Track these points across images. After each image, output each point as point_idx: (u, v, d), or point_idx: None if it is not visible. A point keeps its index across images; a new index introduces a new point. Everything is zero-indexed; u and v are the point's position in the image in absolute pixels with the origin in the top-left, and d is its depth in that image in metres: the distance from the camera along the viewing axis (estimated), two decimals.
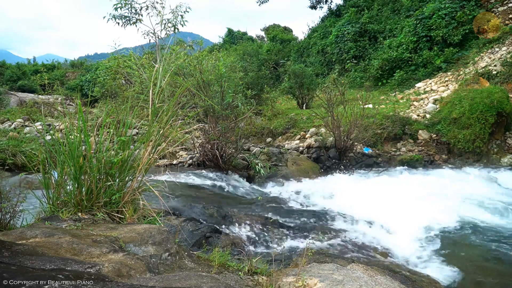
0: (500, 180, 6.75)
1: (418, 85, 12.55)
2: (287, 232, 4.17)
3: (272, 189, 6.76)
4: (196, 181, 6.31)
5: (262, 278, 2.17)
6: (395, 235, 4.22)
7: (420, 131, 9.11)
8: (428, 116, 9.70)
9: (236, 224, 4.17)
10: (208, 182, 6.35)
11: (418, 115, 9.91)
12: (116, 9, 7.52)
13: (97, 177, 2.46)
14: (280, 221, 4.48)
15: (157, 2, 7.62)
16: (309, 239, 3.96)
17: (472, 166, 7.97)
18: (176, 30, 7.93)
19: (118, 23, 7.75)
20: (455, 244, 4.06)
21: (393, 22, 16.88)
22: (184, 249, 2.29)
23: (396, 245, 3.93)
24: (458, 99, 9.12)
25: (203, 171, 6.88)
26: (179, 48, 7.99)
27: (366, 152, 8.75)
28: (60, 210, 2.36)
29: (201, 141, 7.40)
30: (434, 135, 9.02)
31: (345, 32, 17.32)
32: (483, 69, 10.65)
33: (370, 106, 10.47)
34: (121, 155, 2.56)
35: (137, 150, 2.84)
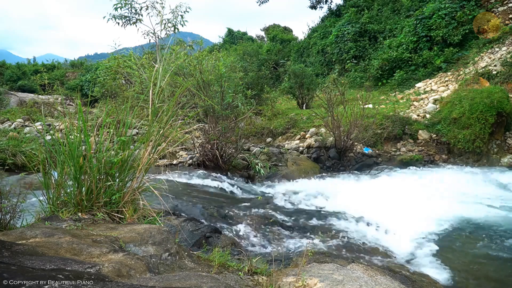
0: (500, 180, 6.75)
1: (418, 85, 12.55)
2: (287, 232, 4.17)
3: (272, 189, 6.76)
4: (196, 181, 6.31)
5: (262, 278, 2.17)
6: (395, 235, 4.22)
7: (420, 131, 9.11)
8: (428, 116, 9.70)
9: (236, 224, 4.17)
10: (208, 182, 6.35)
11: (418, 115, 9.91)
12: (116, 9, 7.52)
13: (97, 177, 2.46)
14: (280, 221, 4.48)
15: (157, 2, 7.62)
16: (309, 239, 3.95)
17: (472, 166, 7.97)
18: (176, 30, 7.92)
19: (118, 23, 7.75)
20: (455, 244, 4.06)
21: (393, 22, 16.88)
22: (184, 249, 2.29)
23: (396, 245, 3.93)
24: (458, 99, 9.12)
25: (203, 171, 6.87)
26: (179, 48, 7.98)
27: (366, 152, 8.75)
28: (60, 210, 2.36)
29: (201, 141, 7.40)
30: (434, 135, 9.02)
31: (345, 32, 17.32)
32: (483, 69, 10.65)
33: (370, 106, 10.48)
34: (121, 155, 2.56)
35: (137, 150, 2.84)
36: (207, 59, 7.67)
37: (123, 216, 2.55)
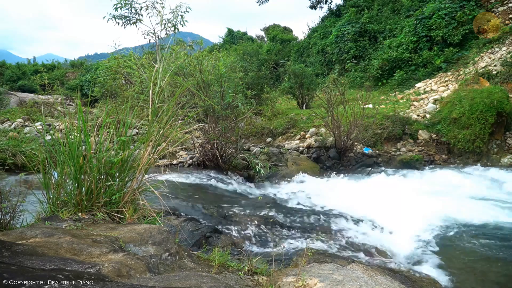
0: (500, 180, 6.75)
1: (418, 85, 12.55)
2: (287, 232, 4.17)
3: (272, 189, 6.76)
4: (196, 181, 6.31)
5: (262, 278, 2.17)
6: (395, 235, 4.22)
7: (420, 131, 9.11)
8: (428, 116, 9.70)
9: (236, 224, 4.17)
10: (208, 182, 6.35)
11: (418, 115, 9.91)
12: (116, 9, 7.51)
13: (97, 177, 2.46)
14: (280, 221, 4.47)
15: (157, 2, 7.60)
16: (309, 239, 3.95)
17: (472, 166, 7.97)
18: (176, 30, 7.91)
19: (118, 23, 7.73)
20: (455, 244, 4.06)
21: (393, 22, 16.88)
22: (184, 249, 2.29)
23: (396, 245, 3.93)
24: (458, 99, 9.12)
25: (203, 171, 6.88)
26: (179, 48, 7.97)
27: (366, 152, 8.75)
28: (60, 210, 2.36)
29: (201, 141, 7.40)
30: (434, 135, 9.02)
31: (345, 32, 17.32)
32: (483, 69, 10.65)
33: (370, 106, 10.47)
34: (121, 155, 2.56)
35: (137, 150, 2.84)
36: (207, 59, 7.67)
37: (123, 216, 2.55)
